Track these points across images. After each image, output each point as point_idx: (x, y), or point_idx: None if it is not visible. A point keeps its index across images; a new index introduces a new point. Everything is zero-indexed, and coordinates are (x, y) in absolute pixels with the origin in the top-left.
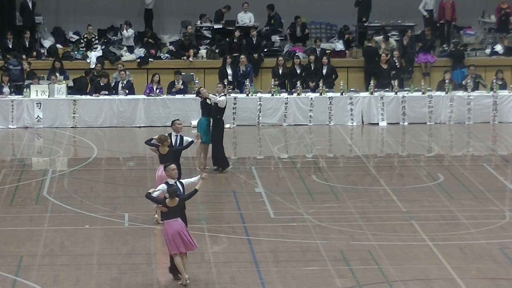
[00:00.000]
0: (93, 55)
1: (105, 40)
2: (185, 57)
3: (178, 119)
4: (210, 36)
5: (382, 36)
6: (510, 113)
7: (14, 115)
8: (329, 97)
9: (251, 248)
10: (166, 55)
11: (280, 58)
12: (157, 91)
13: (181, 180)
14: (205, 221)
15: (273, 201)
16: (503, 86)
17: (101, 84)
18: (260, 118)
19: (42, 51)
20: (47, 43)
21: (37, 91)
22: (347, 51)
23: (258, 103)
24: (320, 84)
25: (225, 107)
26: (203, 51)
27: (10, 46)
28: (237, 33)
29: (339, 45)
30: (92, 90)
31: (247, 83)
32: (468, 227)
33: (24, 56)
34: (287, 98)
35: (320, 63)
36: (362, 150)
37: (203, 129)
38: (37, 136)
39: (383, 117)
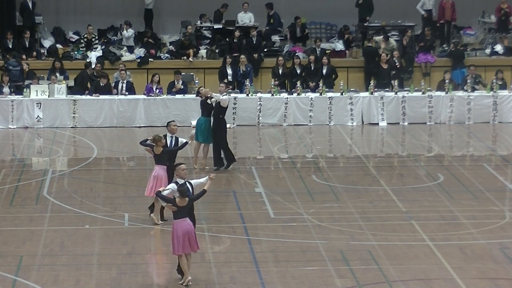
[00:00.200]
0: (93, 55)
1: (105, 40)
2: (185, 57)
3: (173, 120)
4: (210, 36)
5: (382, 36)
6: (510, 113)
7: (14, 115)
8: (329, 97)
9: (251, 248)
10: (166, 55)
11: (280, 58)
12: (157, 91)
13: (189, 180)
14: (205, 221)
15: (273, 201)
16: (503, 86)
17: (101, 84)
18: (260, 118)
19: (42, 51)
20: (47, 43)
21: (37, 91)
22: (347, 51)
23: (258, 103)
24: (320, 84)
25: (227, 107)
26: (203, 51)
27: (10, 46)
28: (237, 33)
29: (339, 45)
30: (92, 90)
31: (247, 83)
32: (468, 227)
33: (24, 56)
34: (287, 98)
35: (320, 63)
36: (362, 150)
37: (202, 129)
38: (37, 136)
39: (383, 117)
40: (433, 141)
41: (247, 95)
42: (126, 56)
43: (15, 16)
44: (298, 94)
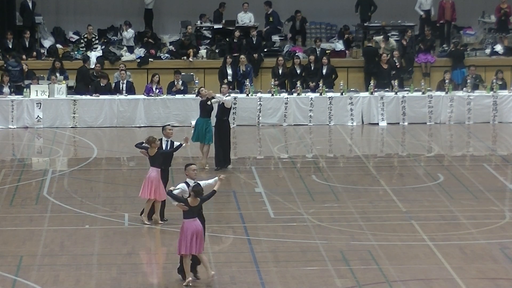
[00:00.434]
0: (93, 55)
1: (105, 40)
2: (185, 57)
3: (169, 124)
4: (210, 36)
5: (382, 36)
6: (510, 113)
7: (14, 115)
8: (329, 97)
9: (251, 248)
10: (166, 55)
11: (280, 58)
12: (157, 91)
13: (198, 181)
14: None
15: (273, 201)
16: (503, 86)
17: (101, 84)
18: (260, 118)
19: (42, 51)
20: (47, 43)
21: (37, 91)
22: (347, 51)
23: (258, 103)
24: (320, 84)
25: (231, 107)
26: (203, 51)
27: (10, 46)
28: (237, 33)
29: (339, 45)
30: (92, 90)
31: (247, 83)
32: (468, 227)
33: (24, 57)
34: (287, 98)
35: (320, 63)
36: (362, 150)
37: (200, 129)
38: (37, 136)
39: (383, 117)
40: (433, 141)
41: (247, 95)
42: (126, 56)
43: (15, 16)
44: (298, 94)
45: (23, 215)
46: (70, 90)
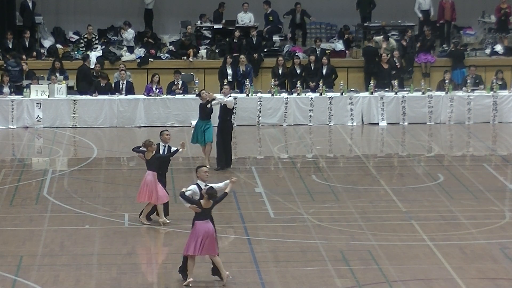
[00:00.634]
0: (93, 55)
1: (105, 40)
2: (185, 57)
3: (166, 130)
4: (210, 36)
5: (382, 36)
6: (510, 113)
7: (14, 115)
8: (329, 97)
9: (251, 248)
10: (166, 55)
11: (280, 58)
12: (157, 91)
13: (210, 184)
14: None
15: (273, 201)
16: (503, 86)
17: (102, 85)
18: (260, 118)
19: (42, 51)
20: (47, 43)
21: (37, 91)
22: (347, 51)
23: (258, 103)
24: (320, 84)
25: (233, 108)
26: (203, 51)
27: (10, 46)
28: (237, 33)
29: (339, 45)
30: (92, 90)
31: (247, 83)
32: (468, 227)
33: (24, 57)
34: (287, 98)
35: (320, 63)
36: (362, 150)
37: (200, 131)
38: (37, 136)
39: (383, 117)
40: (433, 141)
41: (247, 95)
42: (126, 56)
43: (15, 16)
44: (298, 94)
45: (23, 215)
46: (71, 90)
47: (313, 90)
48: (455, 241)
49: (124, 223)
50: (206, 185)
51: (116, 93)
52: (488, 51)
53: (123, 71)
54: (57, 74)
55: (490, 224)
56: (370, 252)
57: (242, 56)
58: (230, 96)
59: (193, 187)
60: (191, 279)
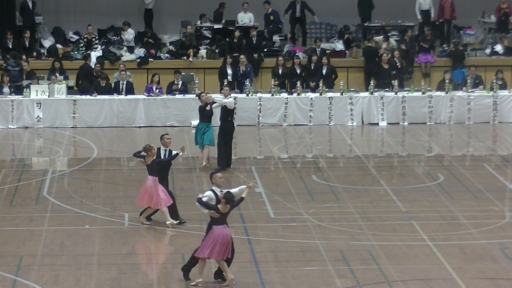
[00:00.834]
0: (93, 55)
1: (105, 40)
2: (185, 57)
3: (167, 134)
4: (210, 36)
5: (382, 36)
6: (510, 113)
7: (14, 115)
8: (329, 97)
9: (251, 248)
10: (166, 55)
11: (280, 58)
12: (157, 91)
13: (224, 190)
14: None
15: (273, 201)
16: (503, 86)
17: (102, 85)
18: (260, 118)
19: (42, 51)
20: (47, 43)
21: (37, 91)
22: (347, 51)
23: (258, 103)
24: (320, 84)
25: (234, 109)
26: (203, 51)
27: (10, 46)
28: (237, 33)
29: (339, 45)
30: (92, 90)
31: (247, 83)
32: (468, 227)
33: (24, 57)
34: (287, 98)
35: (320, 63)
36: (362, 150)
37: (201, 133)
38: (37, 136)
39: (383, 117)
40: (433, 141)
41: (247, 95)
42: (126, 56)
43: (15, 16)
44: (298, 94)
45: (23, 215)
46: (71, 90)
47: (313, 90)
48: (455, 241)
49: (124, 223)
50: (221, 191)
51: (115, 94)
52: (488, 51)
53: (123, 71)
54: (57, 74)
55: (490, 224)
56: (370, 252)
57: (242, 56)
58: (230, 97)
59: (209, 193)
60: (201, 279)
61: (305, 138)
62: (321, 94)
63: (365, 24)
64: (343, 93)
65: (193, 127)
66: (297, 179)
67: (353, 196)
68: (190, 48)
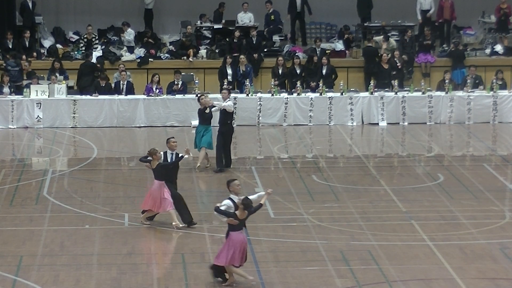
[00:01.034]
0: (93, 55)
1: (105, 40)
2: (185, 57)
3: (173, 137)
4: (210, 36)
5: (382, 36)
6: (510, 113)
7: (14, 115)
8: (329, 97)
9: (251, 248)
10: (166, 55)
11: (280, 58)
12: (157, 91)
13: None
14: (205, 221)
15: (273, 201)
16: (503, 86)
17: (101, 85)
18: (260, 118)
19: (42, 51)
20: (47, 43)
21: (37, 91)
22: (347, 51)
23: (258, 103)
24: (320, 84)
25: (233, 112)
26: (203, 51)
27: (10, 46)
28: (237, 33)
29: (339, 45)
30: (92, 90)
31: (247, 83)
32: (468, 227)
33: (24, 57)
34: (287, 98)
35: (320, 63)
36: (362, 150)
37: (200, 136)
38: (37, 136)
39: (383, 117)
40: (433, 141)
41: (247, 95)
42: (126, 56)
43: (15, 16)
44: (298, 94)
45: (23, 215)
46: (71, 90)
47: (313, 90)
48: (455, 241)
49: (124, 223)
50: (239, 198)
51: (115, 94)
52: (488, 51)
53: (124, 71)
54: (57, 74)
55: (490, 224)
56: (370, 252)
57: (242, 56)
58: (229, 100)
59: (227, 201)
60: (233, 279)
61: (305, 138)
62: (321, 94)
63: (365, 24)
64: (343, 93)
65: (193, 127)
66: (297, 179)
67: (353, 196)
68: (190, 48)
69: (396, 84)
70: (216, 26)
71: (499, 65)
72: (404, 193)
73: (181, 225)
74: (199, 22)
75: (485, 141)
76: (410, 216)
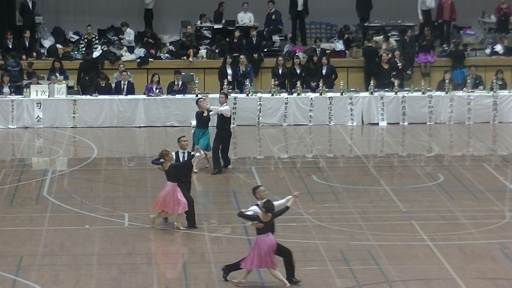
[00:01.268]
0: (93, 56)
1: (105, 40)
2: (185, 57)
3: (184, 136)
4: (210, 36)
5: (382, 36)
6: (510, 113)
7: (14, 115)
8: (329, 97)
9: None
10: (166, 55)
11: (280, 58)
12: (157, 91)
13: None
14: (205, 221)
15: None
16: (503, 86)
17: (101, 85)
18: (260, 118)
19: (42, 51)
20: (47, 43)
21: (37, 91)
22: (347, 51)
23: (258, 103)
24: (320, 84)
25: (231, 117)
26: (203, 51)
27: (10, 46)
28: (237, 33)
29: (339, 45)
30: (92, 90)
31: (247, 83)
32: (468, 227)
33: (24, 57)
34: (287, 98)
35: (320, 63)
36: (362, 150)
37: (198, 139)
38: (37, 136)
39: (383, 117)
40: (433, 141)
41: (247, 95)
42: (126, 56)
43: (15, 16)
44: (298, 94)
45: (23, 215)
46: (71, 89)
47: (313, 90)
48: (455, 241)
49: (124, 223)
50: (262, 201)
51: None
52: (488, 51)
53: (124, 72)
54: (57, 74)
55: (490, 224)
56: (370, 252)
57: (242, 56)
58: (226, 105)
59: (254, 207)
60: (244, 280)
61: (305, 138)
62: (321, 94)
63: (365, 24)
64: (343, 93)
65: (193, 127)
66: (297, 179)
67: (353, 196)
68: (190, 48)
69: (396, 84)
70: (216, 26)
71: (499, 65)
72: (404, 193)
73: (182, 228)
74: (199, 22)
75: (485, 141)
76: (410, 216)
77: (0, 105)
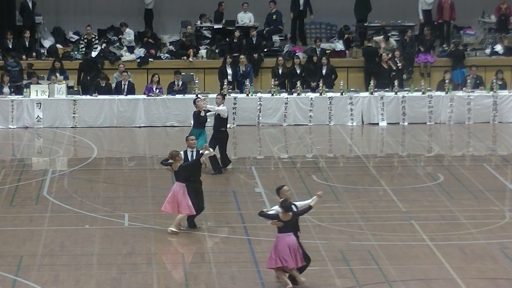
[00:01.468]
0: (94, 55)
1: (105, 40)
2: (185, 57)
3: (191, 135)
4: (210, 36)
5: (382, 36)
6: (510, 113)
7: (14, 115)
8: (329, 97)
9: (251, 248)
10: (166, 55)
11: (280, 58)
12: (157, 91)
13: (294, 202)
14: (205, 221)
15: (273, 201)
16: (503, 86)
17: (102, 85)
18: (260, 118)
19: (42, 51)
20: (47, 43)
21: (37, 91)
22: (347, 51)
23: (258, 103)
24: (320, 84)
25: (227, 118)
26: (203, 51)
27: (10, 46)
28: (237, 33)
29: (339, 45)
30: (92, 90)
31: (247, 83)
32: (468, 227)
33: (24, 57)
34: (287, 98)
35: (320, 63)
36: (362, 150)
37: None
38: (37, 136)
39: (383, 117)
40: (433, 141)
41: (247, 95)
42: (126, 56)
43: (15, 16)
44: (298, 94)
45: (23, 215)
46: (71, 89)
47: (313, 90)
48: (455, 241)
49: (124, 223)
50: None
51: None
52: (488, 51)
53: (124, 72)
54: (57, 74)
55: (490, 224)
56: (370, 252)
57: (242, 56)
58: (223, 106)
59: (276, 207)
60: (290, 285)
61: (305, 138)
62: (321, 94)
63: (365, 24)
64: (343, 93)
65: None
66: (297, 179)
67: (353, 196)
68: (190, 48)
69: (396, 84)
70: (216, 26)
71: (499, 65)
72: (404, 193)
73: (176, 230)
74: (199, 22)
75: (485, 141)
76: (410, 216)
77: (0, 105)
